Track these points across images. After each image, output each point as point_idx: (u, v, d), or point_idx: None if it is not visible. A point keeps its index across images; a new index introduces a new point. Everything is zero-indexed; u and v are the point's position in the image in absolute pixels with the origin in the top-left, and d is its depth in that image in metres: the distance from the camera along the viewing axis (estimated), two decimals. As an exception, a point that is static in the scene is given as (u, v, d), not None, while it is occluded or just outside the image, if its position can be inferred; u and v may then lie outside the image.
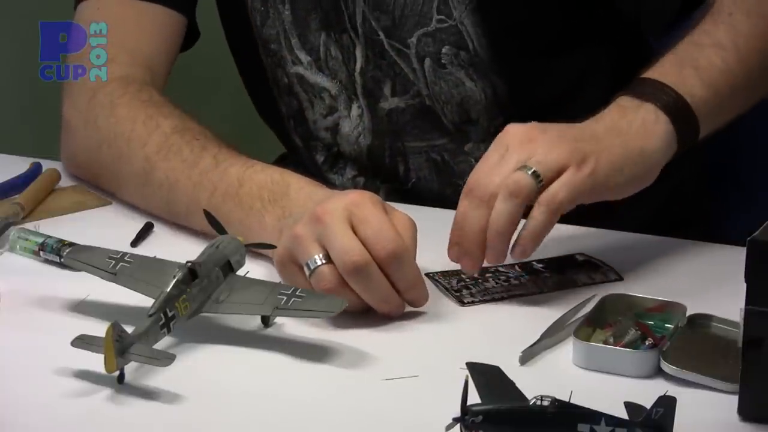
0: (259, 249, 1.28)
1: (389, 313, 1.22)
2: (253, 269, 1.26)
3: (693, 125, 1.36)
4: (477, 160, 1.40)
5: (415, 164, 1.60)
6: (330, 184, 1.54)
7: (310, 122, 1.63)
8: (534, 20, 1.55)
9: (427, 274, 1.27)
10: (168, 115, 1.45)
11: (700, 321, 1.20)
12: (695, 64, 1.38)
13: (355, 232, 1.20)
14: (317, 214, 1.22)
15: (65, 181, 1.52)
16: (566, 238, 1.37)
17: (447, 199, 1.53)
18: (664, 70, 1.37)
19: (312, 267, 1.21)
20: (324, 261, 1.20)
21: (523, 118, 1.40)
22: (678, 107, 1.34)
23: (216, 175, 1.36)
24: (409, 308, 1.24)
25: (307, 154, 1.65)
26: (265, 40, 1.61)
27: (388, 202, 1.26)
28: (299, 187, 1.31)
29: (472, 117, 1.57)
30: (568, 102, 1.57)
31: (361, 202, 1.22)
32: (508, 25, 1.54)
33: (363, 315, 1.22)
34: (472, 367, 1.07)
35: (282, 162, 1.66)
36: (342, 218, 1.21)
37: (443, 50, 1.54)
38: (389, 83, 1.58)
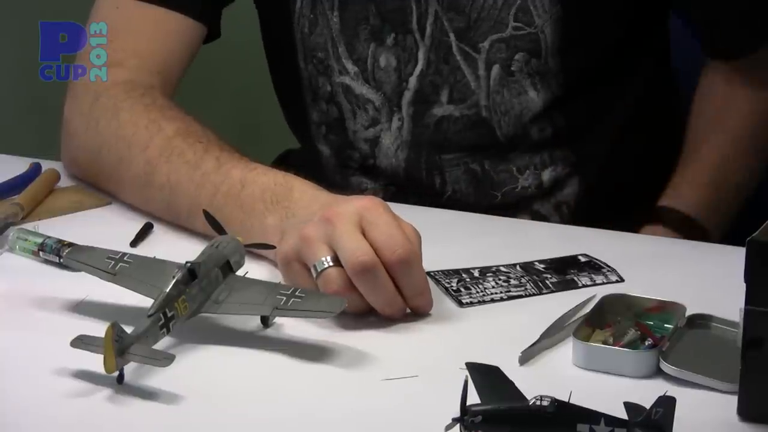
0: (258, 250, 1.28)
1: (391, 316, 1.22)
2: (253, 269, 1.26)
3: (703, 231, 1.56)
4: (519, 170, 1.41)
5: (452, 177, 1.61)
6: (347, 191, 1.56)
7: (350, 132, 1.62)
8: (603, 34, 1.58)
9: (427, 273, 1.27)
10: (171, 119, 1.45)
11: (699, 321, 1.20)
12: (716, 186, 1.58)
13: (364, 236, 1.21)
14: (327, 216, 1.22)
15: (65, 182, 1.52)
16: (569, 238, 1.39)
17: (481, 211, 1.56)
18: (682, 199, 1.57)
19: (320, 269, 1.21)
20: (332, 263, 1.21)
21: (567, 128, 1.52)
22: (691, 227, 1.55)
23: (218, 177, 1.37)
24: (407, 315, 1.25)
25: (335, 162, 1.65)
26: (311, 47, 1.60)
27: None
28: (303, 189, 1.31)
29: (526, 127, 1.57)
30: (604, 118, 1.62)
31: (372, 207, 1.23)
32: (583, 37, 1.55)
33: (363, 315, 1.23)
34: (472, 367, 1.06)
35: (282, 162, 1.66)
36: (353, 221, 1.21)
37: (516, 57, 1.54)
38: (447, 89, 1.57)
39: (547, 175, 1.59)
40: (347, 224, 1.21)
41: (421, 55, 1.56)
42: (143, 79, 1.53)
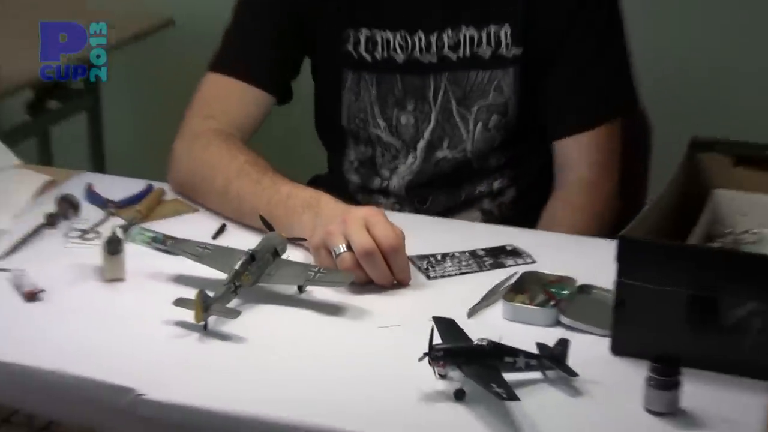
0: (295, 242, 1.29)
1: (384, 285, 1.24)
2: (293, 254, 1.28)
3: None
4: (484, 184, 1.53)
5: (435, 193, 1.58)
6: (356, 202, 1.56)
7: (378, 165, 1.59)
8: (533, 107, 1.54)
9: (408, 257, 1.27)
10: (243, 153, 1.45)
11: (586, 289, 1.21)
12: None
13: (368, 232, 1.22)
14: (344, 218, 1.25)
15: (169, 195, 1.49)
16: (499, 234, 1.38)
17: (449, 206, 1.56)
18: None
19: (338, 252, 1.23)
20: (346, 249, 1.22)
21: (512, 158, 1.53)
22: None
23: (272, 191, 1.36)
24: (393, 285, 1.25)
25: (360, 186, 1.61)
26: (355, 110, 1.57)
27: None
28: (327, 200, 1.32)
29: (489, 158, 1.56)
30: (532, 156, 1.58)
31: (374, 213, 1.25)
32: (532, 107, 1.52)
33: (365, 285, 1.24)
34: (436, 319, 1.09)
35: (312, 183, 1.64)
36: (360, 222, 1.23)
37: (492, 117, 1.52)
38: (447, 140, 1.54)
39: (495, 186, 1.57)
40: (356, 224, 1.23)
41: (433, 116, 1.53)
42: (226, 129, 1.50)
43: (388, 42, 1.51)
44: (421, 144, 1.54)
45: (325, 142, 1.66)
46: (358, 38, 1.52)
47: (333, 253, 1.23)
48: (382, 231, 1.23)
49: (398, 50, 1.51)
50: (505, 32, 1.48)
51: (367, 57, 1.52)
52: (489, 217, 1.58)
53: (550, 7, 1.47)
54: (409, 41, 1.50)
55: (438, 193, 1.56)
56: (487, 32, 1.48)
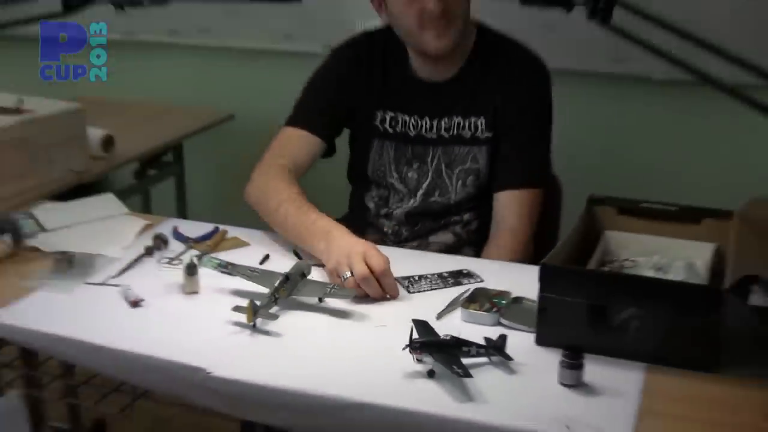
0: (317, 266, 1.28)
1: (377, 298, 1.23)
2: (315, 275, 1.26)
3: None
4: (458, 217, 1.48)
5: (424, 223, 1.54)
6: (373, 228, 1.54)
7: (389, 202, 1.55)
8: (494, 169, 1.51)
9: (395, 278, 1.26)
10: (294, 186, 1.43)
11: (519, 300, 1.20)
12: None
13: (365, 262, 1.22)
14: (349, 253, 1.24)
15: (229, 234, 1.44)
16: (459, 261, 1.37)
17: (435, 231, 1.53)
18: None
19: (345, 277, 1.23)
20: (350, 275, 1.22)
21: (478, 198, 1.47)
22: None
23: (306, 217, 1.35)
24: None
25: (374, 212, 1.57)
26: (377, 165, 1.55)
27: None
28: (336, 234, 1.30)
29: (464, 203, 1.52)
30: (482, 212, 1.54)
31: (369, 248, 1.25)
32: (493, 165, 1.50)
33: (365, 298, 1.22)
34: (415, 321, 1.09)
35: (341, 220, 1.61)
36: (360, 256, 1.23)
37: (469, 178, 1.50)
38: (438, 190, 1.51)
39: (465, 218, 1.52)
40: (357, 257, 1.23)
41: (429, 174, 1.51)
42: (289, 166, 1.47)
43: (405, 122, 1.51)
44: (420, 191, 1.53)
45: (354, 184, 1.64)
46: (384, 117, 1.52)
47: (342, 278, 1.23)
48: (375, 261, 1.22)
49: (411, 128, 1.51)
50: (481, 121, 1.48)
51: (390, 130, 1.52)
52: (459, 238, 1.54)
53: (510, 106, 1.48)
54: (419, 123, 1.51)
55: (426, 220, 1.53)
56: (469, 121, 1.48)
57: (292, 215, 1.36)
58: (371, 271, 1.21)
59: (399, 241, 1.54)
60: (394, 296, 1.24)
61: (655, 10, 0.98)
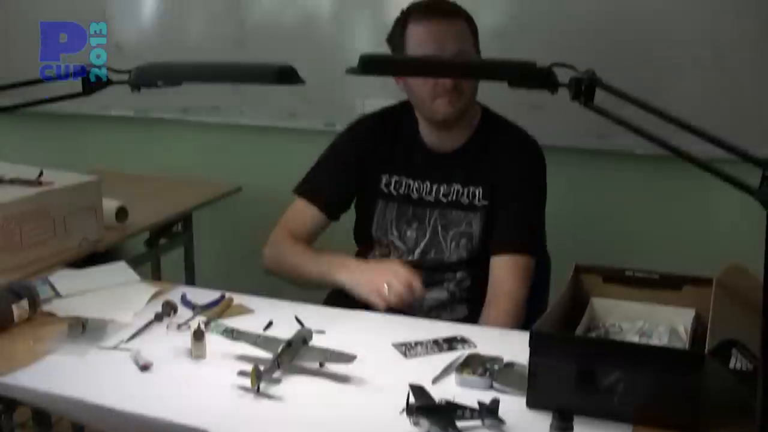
0: (318, 332, 1.28)
1: (408, 301, 1.41)
2: (316, 340, 1.26)
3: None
4: (452, 275, 1.55)
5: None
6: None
7: (391, 257, 1.62)
8: (489, 237, 1.57)
9: (392, 344, 1.28)
10: (304, 245, 1.59)
11: (510, 364, 1.20)
12: None
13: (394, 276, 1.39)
14: (383, 271, 1.44)
15: (235, 302, 1.45)
16: (452, 327, 1.37)
17: (431, 286, 1.57)
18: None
19: (389, 287, 1.40)
20: (390, 287, 1.40)
21: (470, 261, 1.55)
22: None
23: (320, 260, 1.52)
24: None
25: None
26: (381, 226, 1.62)
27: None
28: (355, 264, 1.49)
29: (458, 263, 1.58)
30: (485, 262, 1.57)
31: (392, 264, 1.45)
32: (488, 236, 1.56)
33: (365, 360, 1.19)
34: (411, 385, 1.10)
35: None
36: (391, 272, 1.42)
37: (462, 239, 1.56)
38: (434, 249, 1.58)
39: (458, 276, 1.59)
40: (390, 273, 1.42)
41: (427, 234, 1.59)
42: (298, 235, 1.61)
43: (408, 185, 1.60)
44: (418, 250, 1.59)
45: (359, 243, 1.69)
46: (390, 181, 1.61)
47: (386, 288, 1.39)
48: (403, 273, 1.40)
49: (413, 191, 1.60)
50: (479, 191, 1.55)
51: (393, 193, 1.61)
52: (452, 296, 1.59)
53: (507, 180, 1.55)
54: (421, 187, 1.59)
55: (422, 275, 1.54)
56: (467, 189, 1.56)
57: (310, 259, 1.53)
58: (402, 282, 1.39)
59: None
60: (420, 296, 1.43)
61: (635, 92, 1.03)
